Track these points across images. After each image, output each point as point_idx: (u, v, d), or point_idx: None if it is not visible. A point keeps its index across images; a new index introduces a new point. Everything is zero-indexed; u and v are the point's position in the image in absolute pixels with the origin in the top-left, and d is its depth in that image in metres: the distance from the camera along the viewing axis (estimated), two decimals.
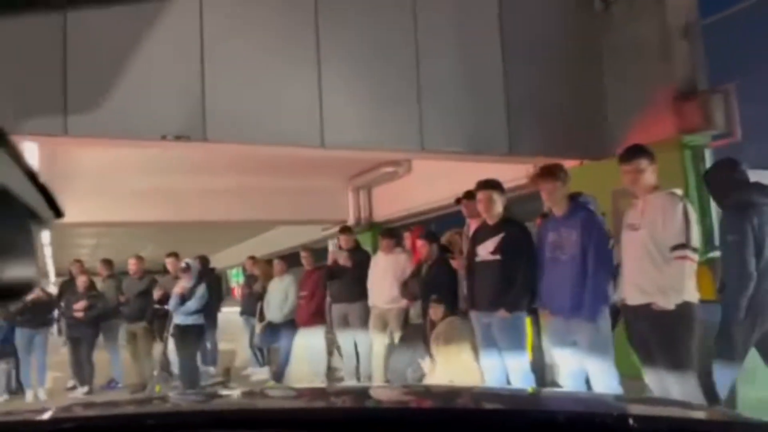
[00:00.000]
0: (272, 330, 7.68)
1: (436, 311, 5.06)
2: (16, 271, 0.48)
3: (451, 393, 2.05)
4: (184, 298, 6.99)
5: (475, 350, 4.61)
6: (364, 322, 6.91)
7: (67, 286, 8.81)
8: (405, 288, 5.54)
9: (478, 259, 4.25)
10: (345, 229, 7.45)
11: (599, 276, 3.83)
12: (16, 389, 8.41)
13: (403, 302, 6.25)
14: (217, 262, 16.40)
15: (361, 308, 6.89)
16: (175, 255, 7.93)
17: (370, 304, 6.64)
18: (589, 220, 3.95)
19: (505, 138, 5.40)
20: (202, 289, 7.13)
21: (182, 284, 7.00)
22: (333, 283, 7.04)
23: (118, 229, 14.26)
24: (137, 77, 4.03)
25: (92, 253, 15.84)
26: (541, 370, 4.66)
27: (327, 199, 10.01)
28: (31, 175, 0.50)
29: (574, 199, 4.12)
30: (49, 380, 9.70)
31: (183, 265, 7.18)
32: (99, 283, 8.97)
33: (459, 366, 4.69)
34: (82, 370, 8.29)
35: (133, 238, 15.09)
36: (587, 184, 4.66)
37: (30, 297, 8.10)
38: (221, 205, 9.29)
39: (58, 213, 0.55)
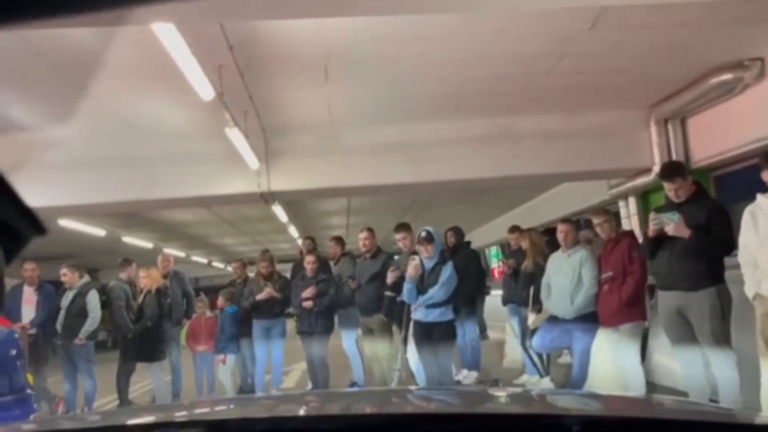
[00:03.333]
0: (557, 327, 5.13)
1: None
2: None
3: None
4: (423, 284, 4.83)
5: None
6: (717, 322, 4.04)
7: (297, 270, 7.30)
8: None
9: None
10: (673, 169, 4.49)
11: None
12: (251, 388, 7.13)
13: None
14: (473, 240, 14.28)
15: (711, 299, 4.03)
16: (405, 226, 5.85)
17: (750, 292, 3.70)
18: None
19: None
20: (448, 271, 4.89)
21: (417, 264, 4.82)
22: (659, 260, 4.23)
23: (369, 204, 12.93)
24: None
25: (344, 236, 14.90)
26: None
27: (617, 140, 7.02)
28: (9, 194, 0.48)
29: None
30: (298, 374, 8.51)
31: (422, 234, 4.99)
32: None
33: None
34: (315, 372, 6.69)
35: (385, 215, 13.68)
36: None
37: (261, 296, 6.78)
38: (475, 159, 6.98)
39: (39, 230, 0.51)
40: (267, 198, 7.20)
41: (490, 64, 5.40)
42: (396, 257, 6.17)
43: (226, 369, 6.91)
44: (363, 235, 6.30)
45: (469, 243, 7.54)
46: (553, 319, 5.08)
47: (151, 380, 7.21)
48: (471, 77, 5.71)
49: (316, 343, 6.65)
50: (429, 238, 4.91)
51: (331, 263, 7.27)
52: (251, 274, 7.64)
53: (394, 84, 5.74)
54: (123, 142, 6.44)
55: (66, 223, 9.84)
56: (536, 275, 5.84)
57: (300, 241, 15.80)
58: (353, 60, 5.13)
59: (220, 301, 7.13)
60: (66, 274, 6.83)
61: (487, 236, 16.46)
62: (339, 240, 7.20)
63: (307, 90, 5.80)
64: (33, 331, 6.63)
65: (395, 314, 5.46)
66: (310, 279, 6.74)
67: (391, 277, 5.45)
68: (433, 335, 4.79)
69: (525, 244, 6.64)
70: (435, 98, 6.20)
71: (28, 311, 6.77)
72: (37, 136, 5.94)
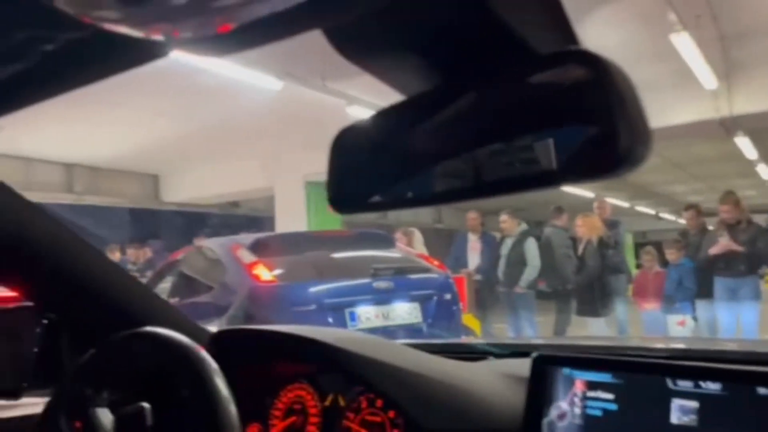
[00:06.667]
0: None
1: None
2: None
3: None
4: None
5: None
6: None
7: None
8: None
9: None
10: None
11: None
12: None
13: None
14: None
15: None
16: None
17: None
18: None
19: None
20: None
21: None
22: None
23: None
24: None
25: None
26: None
27: None
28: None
29: None
30: None
31: None
32: None
33: None
34: None
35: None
36: None
37: (714, 250, 5.62)
38: None
39: None
40: (728, 126, 5.76)
41: None
42: None
43: (684, 332, 5.87)
44: None
45: None
46: None
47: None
48: None
49: None
50: None
51: None
52: (711, 228, 6.37)
53: None
54: None
55: None
56: None
57: None
58: None
59: (670, 253, 6.07)
60: (506, 221, 6.78)
61: None
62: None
63: None
64: (478, 277, 6.84)
65: None
66: None
67: None
68: None
69: None
70: None
71: (474, 258, 7.02)
72: None
